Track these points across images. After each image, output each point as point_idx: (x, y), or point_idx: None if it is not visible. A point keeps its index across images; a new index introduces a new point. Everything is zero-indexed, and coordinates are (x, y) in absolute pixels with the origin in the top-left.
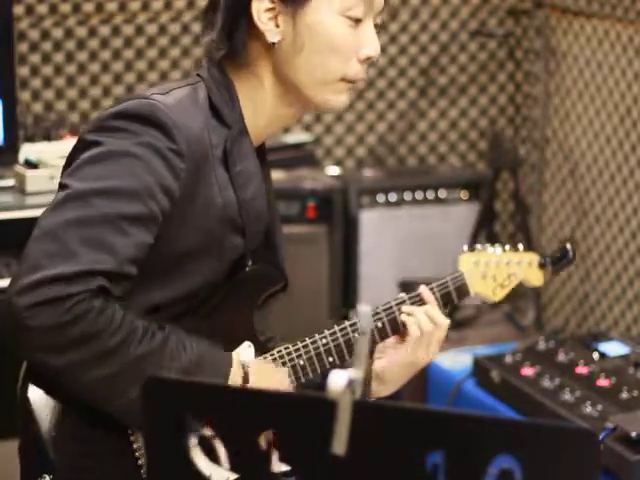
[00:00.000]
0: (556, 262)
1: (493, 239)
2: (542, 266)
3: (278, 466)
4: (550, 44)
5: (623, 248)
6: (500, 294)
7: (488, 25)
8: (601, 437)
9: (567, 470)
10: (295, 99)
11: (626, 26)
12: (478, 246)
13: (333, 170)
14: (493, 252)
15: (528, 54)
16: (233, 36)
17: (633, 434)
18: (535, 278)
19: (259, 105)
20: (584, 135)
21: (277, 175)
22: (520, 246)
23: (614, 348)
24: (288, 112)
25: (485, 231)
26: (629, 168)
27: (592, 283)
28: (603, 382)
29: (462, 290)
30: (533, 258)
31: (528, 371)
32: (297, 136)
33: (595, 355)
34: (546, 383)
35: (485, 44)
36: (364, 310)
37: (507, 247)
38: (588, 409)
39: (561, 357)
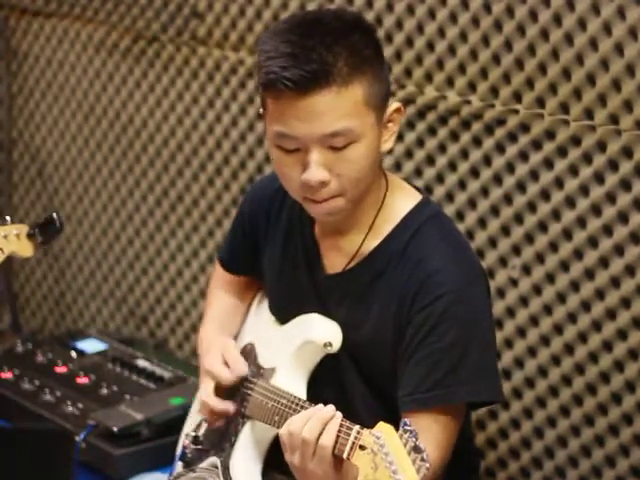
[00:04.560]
0: (44, 231)
1: None
2: (31, 236)
3: None
4: (11, 45)
5: (95, 245)
6: None
7: None
8: (83, 436)
9: (44, 469)
10: None
11: (85, 24)
12: None
13: None
14: None
15: None
16: None
17: (115, 429)
18: (25, 249)
19: None
20: (50, 135)
21: None
22: (8, 219)
23: (92, 345)
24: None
25: None
26: (96, 165)
27: (67, 281)
28: (83, 380)
29: None
30: (22, 229)
31: (7, 375)
32: None
33: (73, 353)
34: (26, 385)
35: None
36: None
37: None
38: (69, 408)
39: (40, 358)
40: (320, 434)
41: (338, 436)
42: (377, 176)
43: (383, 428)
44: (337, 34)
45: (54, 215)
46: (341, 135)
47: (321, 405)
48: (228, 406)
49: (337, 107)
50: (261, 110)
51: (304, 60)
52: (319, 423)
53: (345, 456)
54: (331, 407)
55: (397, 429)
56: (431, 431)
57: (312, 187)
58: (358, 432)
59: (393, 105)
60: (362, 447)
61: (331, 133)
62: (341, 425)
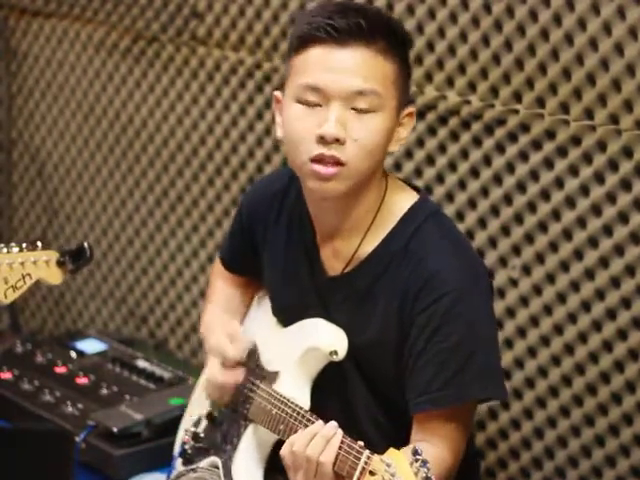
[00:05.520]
0: (74, 260)
1: None
2: (60, 264)
3: None
4: (10, 45)
5: (95, 245)
6: (12, 296)
7: None
8: (82, 436)
9: (44, 469)
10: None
11: (84, 24)
12: None
13: None
14: (6, 252)
15: None
16: None
17: (114, 429)
18: (53, 276)
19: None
20: (49, 135)
21: None
22: (39, 244)
23: (91, 345)
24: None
25: None
26: (96, 165)
27: (67, 282)
28: (82, 380)
29: None
30: (52, 256)
31: (7, 375)
32: None
33: (73, 354)
34: (26, 386)
35: None
36: None
37: (24, 246)
38: (69, 408)
39: (39, 358)
40: (322, 451)
41: (339, 453)
42: (379, 172)
43: (394, 456)
44: (378, 17)
45: (85, 244)
46: (366, 96)
47: (321, 422)
48: (237, 375)
49: (370, 69)
50: (278, 94)
51: (350, 15)
52: (323, 441)
53: None
54: (333, 424)
55: (399, 440)
56: (444, 430)
57: (326, 143)
58: (368, 457)
59: (408, 108)
60: (372, 473)
61: (358, 90)
62: (342, 442)
